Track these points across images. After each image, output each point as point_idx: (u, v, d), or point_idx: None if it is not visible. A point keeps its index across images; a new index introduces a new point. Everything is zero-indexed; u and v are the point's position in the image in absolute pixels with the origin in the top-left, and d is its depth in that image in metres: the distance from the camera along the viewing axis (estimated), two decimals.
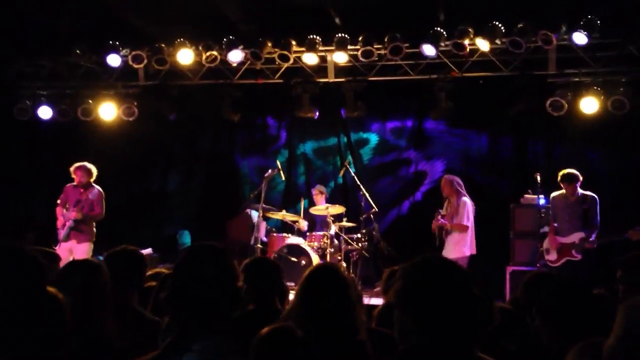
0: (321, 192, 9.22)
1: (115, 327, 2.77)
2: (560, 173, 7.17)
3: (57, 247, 7.46)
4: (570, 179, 7.08)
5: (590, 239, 6.99)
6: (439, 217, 7.60)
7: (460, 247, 7.46)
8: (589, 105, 7.90)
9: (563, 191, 7.21)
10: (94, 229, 7.81)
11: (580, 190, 7.15)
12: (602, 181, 8.31)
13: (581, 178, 7.13)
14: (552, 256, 7.25)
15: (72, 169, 7.78)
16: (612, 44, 7.80)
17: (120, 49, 8.76)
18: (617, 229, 6.90)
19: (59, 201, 7.85)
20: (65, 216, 7.68)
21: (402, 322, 1.85)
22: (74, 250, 7.50)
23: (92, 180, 7.80)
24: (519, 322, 2.72)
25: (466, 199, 7.58)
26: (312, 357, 2.18)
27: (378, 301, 5.07)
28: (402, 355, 1.85)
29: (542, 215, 7.70)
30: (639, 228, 6.64)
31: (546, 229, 7.51)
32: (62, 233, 7.68)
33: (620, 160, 8.75)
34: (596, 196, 7.13)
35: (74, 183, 7.79)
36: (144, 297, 3.44)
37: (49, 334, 2.27)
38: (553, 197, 7.36)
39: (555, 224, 7.31)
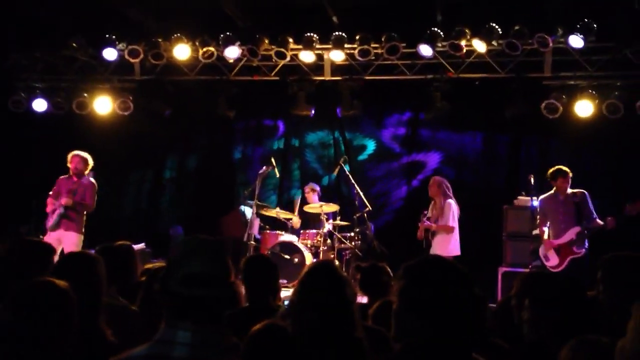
0: (313, 190, 9.20)
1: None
2: (553, 169, 7.08)
3: (45, 237, 7.41)
4: (564, 174, 7.01)
5: (597, 224, 6.87)
6: (425, 219, 7.68)
7: (445, 247, 7.50)
8: (584, 108, 7.93)
9: (552, 192, 7.16)
10: (84, 220, 7.76)
11: (569, 189, 7.11)
12: (595, 184, 8.32)
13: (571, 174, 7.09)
14: (554, 260, 7.12)
15: (69, 156, 7.73)
16: (607, 48, 7.84)
17: (117, 42, 8.74)
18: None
19: (50, 192, 7.83)
20: (55, 203, 7.62)
21: (403, 319, 1.86)
22: (62, 239, 7.40)
23: (87, 171, 7.76)
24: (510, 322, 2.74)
25: (451, 201, 7.63)
26: (301, 355, 2.19)
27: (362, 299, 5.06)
28: (401, 353, 1.86)
29: (536, 217, 7.71)
30: (634, 203, 6.63)
31: (539, 231, 7.45)
32: (51, 220, 7.63)
33: (613, 163, 8.79)
34: (584, 191, 7.07)
35: (67, 175, 7.75)
36: (133, 291, 3.44)
37: (54, 326, 2.27)
38: (542, 199, 7.25)
39: (546, 228, 7.25)
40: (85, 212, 7.69)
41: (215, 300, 1.86)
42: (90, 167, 7.75)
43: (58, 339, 2.26)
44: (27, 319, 2.26)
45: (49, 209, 7.70)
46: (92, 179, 7.75)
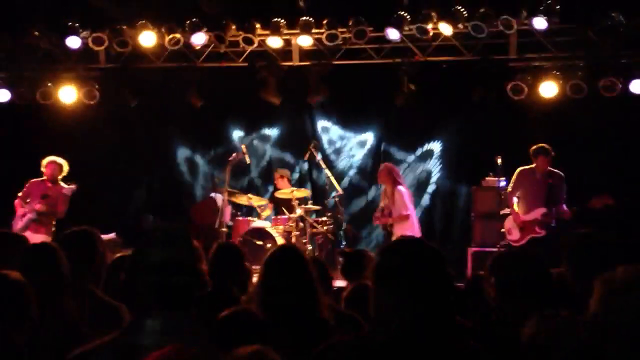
0: (282, 176, 9.20)
1: (77, 311, 2.76)
2: (535, 147, 7.02)
3: None
4: (545, 153, 6.97)
5: (562, 210, 6.90)
6: (379, 214, 7.77)
7: (407, 233, 7.52)
8: (548, 89, 8.04)
9: (532, 166, 7.12)
10: (53, 225, 7.70)
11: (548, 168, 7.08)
12: (561, 165, 8.45)
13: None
14: (515, 235, 7.23)
15: (44, 162, 7.65)
16: (571, 29, 7.96)
17: (80, 30, 8.57)
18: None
19: (20, 194, 7.72)
20: (27, 207, 7.55)
21: (379, 300, 1.89)
22: (31, 241, 7.32)
23: (61, 176, 7.70)
24: (475, 300, 2.82)
25: (402, 188, 7.67)
26: (271, 339, 2.21)
27: (341, 283, 5.12)
28: (376, 333, 1.90)
29: (503, 197, 7.83)
30: (599, 196, 6.71)
31: (507, 210, 7.56)
32: (19, 224, 7.54)
33: (579, 144, 8.93)
34: (563, 174, 7.08)
35: (40, 178, 7.67)
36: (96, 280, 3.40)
37: (10, 318, 2.26)
38: (521, 171, 7.19)
39: (515, 199, 7.27)
40: (54, 218, 7.67)
41: (182, 288, 1.87)
42: (65, 172, 7.69)
43: (13, 330, 2.25)
44: None
45: (18, 212, 7.60)
46: (65, 185, 7.67)
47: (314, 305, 2.55)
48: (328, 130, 10.30)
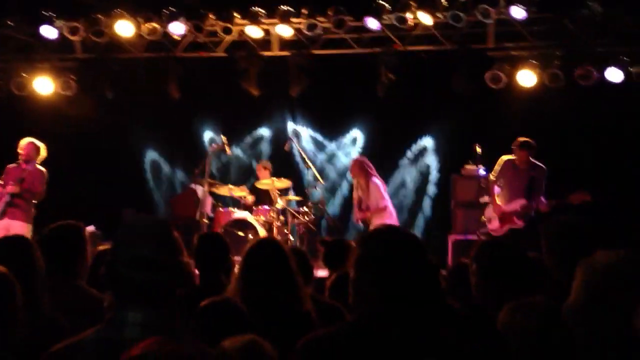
0: (265, 167, 9.18)
1: (58, 303, 2.74)
2: (521, 140, 7.08)
3: None
4: (529, 148, 7.02)
5: (539, 203, 6.97)
6: (357, 210, 7.84)
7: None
8: (526, 78, 8.09)
9: (515, 157, 7.19)
10: (33, 210, 7.57)
11: (532, 159, 7.14)
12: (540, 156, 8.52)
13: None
14: (494, 225, 7.31)
15: (21, 143, 7.52)
16: (548, 18, 8.01)
17: (55, 19, 8.42)
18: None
19: (0, 182, 7.61)
20: (1, 193, 7.44)
21: (360, 289, 1.90)
22: (10, 229, 7.22)
23: (37, 159, 7.58)
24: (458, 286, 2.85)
25: (376, 180, 7.73)
26: (253, 329, 2.21)
27: (323, 272, 5.14)
28: (355, 322, 1.90)
29: (482, 185, 7.88)
30: (578, 192, 6.78)
31: (486, 198, 7.62)
32: None
33: (557, 133, 9.02)
34: (545, 167, 7.14)
35: (16, 162, 7.55)
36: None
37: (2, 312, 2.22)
38: (505, 161, 7.23)
39: (498, 188, 7.33)
40: (34, 202, 7.53)
41: (164, 282, 1.85)
42: (41, 155, 7.57)
43: (4, 325, 2.22)
44: None
45: None
46: (41, 167, 7.57)
47: (296, 298, 2.55)
48: (311, 136, 10.34)
